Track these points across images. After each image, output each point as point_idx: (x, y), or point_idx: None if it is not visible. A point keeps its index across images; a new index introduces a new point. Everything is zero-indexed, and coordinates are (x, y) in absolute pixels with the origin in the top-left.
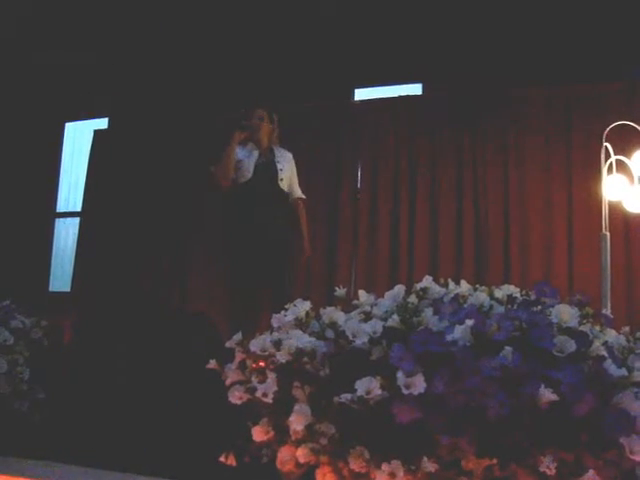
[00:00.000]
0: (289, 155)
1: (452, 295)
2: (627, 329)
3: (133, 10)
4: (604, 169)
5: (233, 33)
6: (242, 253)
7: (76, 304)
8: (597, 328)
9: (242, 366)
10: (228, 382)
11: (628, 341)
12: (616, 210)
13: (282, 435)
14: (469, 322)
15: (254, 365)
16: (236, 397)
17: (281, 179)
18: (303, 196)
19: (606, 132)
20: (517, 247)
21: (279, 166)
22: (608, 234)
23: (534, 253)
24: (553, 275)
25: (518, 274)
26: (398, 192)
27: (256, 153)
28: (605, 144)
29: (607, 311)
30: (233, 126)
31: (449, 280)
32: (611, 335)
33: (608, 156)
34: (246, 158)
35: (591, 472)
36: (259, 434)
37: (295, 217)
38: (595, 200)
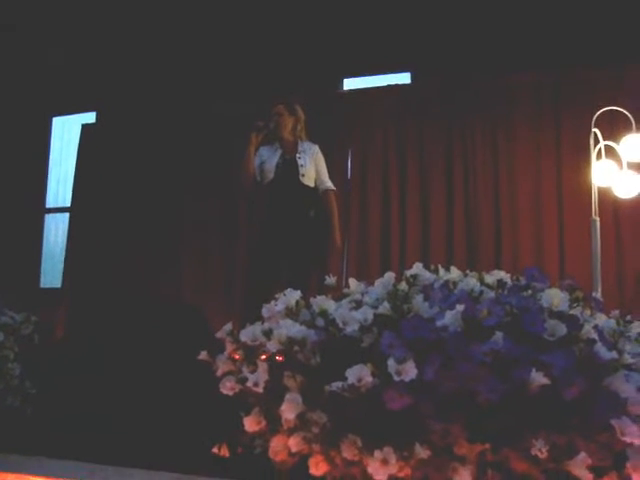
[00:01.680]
0: (314, 148)
1: (442, 281)
2: (617, 312)
3: (121, 4)
4: (593, 155)
5: (220, 26)
6: (266, 254)
7: (67, 299)
8: (587, 312)
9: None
10: (219, 373)
11: (618, 324)
12: (606, 195)
13: (274, 425)
14: (459, 308)
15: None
16: (228, 388)
17: (302, 175)
18: (333, 187)
19: (595, 118)
20: (508, 233)
21: (300, 162)
22: (598, 219)
23: (525, 239)
24: (544, 260)
25: (509, 260)
26: (388, 181)
27: (279, 152)
28: (594, 130)
29: (598, 295)
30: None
31: (439, 266)
32: (601, 319)
33: (597, 142)
34: (269, 158)
35: (583, 454)
36: (251, 424)
37: (325, 209)
38: (585, 186)
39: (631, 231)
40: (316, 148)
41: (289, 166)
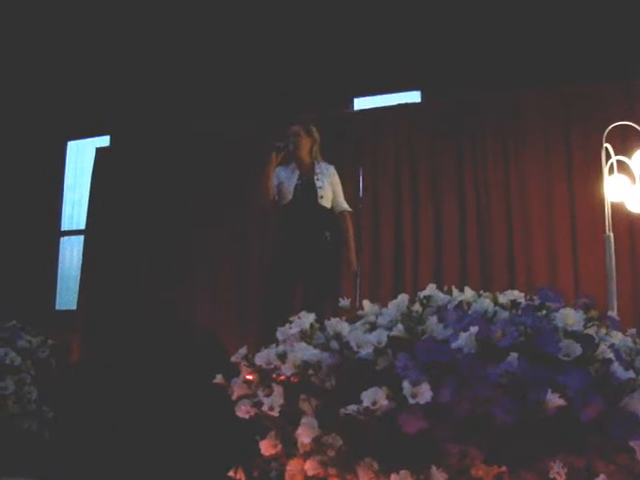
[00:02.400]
0: (330, 169)
1: (456, 302)
2: (633, 331)
3: (134, 29)
4: (605, 170)
5: (233, 46)
6: (281, 276)
7: (82, 322)
8: (603, 331)
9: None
10: (235, 397)
11: (635, 343)
12: (620, 210)
13: (290, 448)
14: (473, 329)
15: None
16: (243, 411)
17: (321, 197)
18: (349, 209)
19: (606, 133)
20: (521, 250)
21: (318, 184)
22: (612, 235)
23: (538, 256)
24: (558, 277)
25: (523, 277)
26: (400, 199)
27: (297, 173)
28: (605, 145)
29: (613, 313)
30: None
31: (453, 287)
32: (617, 337)
33: (609, 157)
34: (287, 179)
35: (602, 477)
36: (267, 448)
37: (341, 230)
38: (598, 201)
39: None
40: (332, 169)
41: (307, 188)
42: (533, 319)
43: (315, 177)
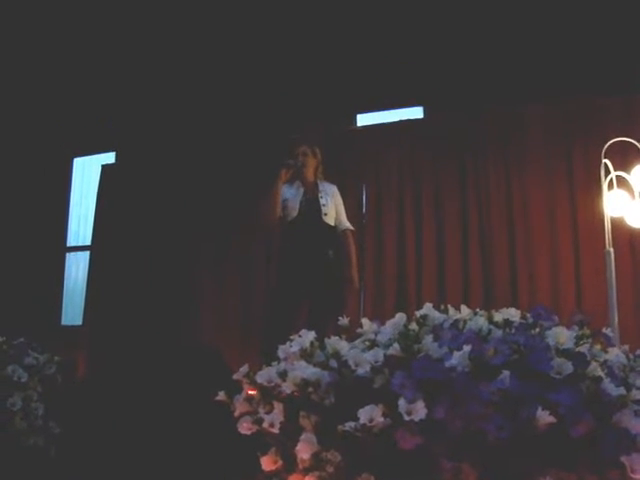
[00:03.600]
0: (333, 188)
1: (451, 321)
2: (627, 347)
3: (139, 47)
4: (604, 185)
5: (236, 63)
6: (285, 293)
7: (87, 337)
8: (598, 347)
9: (249, 398)
10: (236, 414)
11: (628, 359)
12: (621, 226)
13: (290, 464)
14: (467, 348)
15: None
16: (245, 428)
17: (325, 214)
18: (351, 227)
19: (605, 148)
20: (524, 266)
21: (322, 201)
22: (612, 250)
23: (541, 271)
24: (561, 293)
25: (526, 293)
26: (403, 215)
27: (302, 190)
28: (604, 160)
29: (614, 328)
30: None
31: (449, 306)
32: (612, 354)
33: (608, 172)
34: (292, 196)
35: None
36: (268, 464)
37: (343, 249)
38: (599, 216)
39: None
40: (335, 189)
41: (312, 205)
42: (526, 337)
43: (319, 195)
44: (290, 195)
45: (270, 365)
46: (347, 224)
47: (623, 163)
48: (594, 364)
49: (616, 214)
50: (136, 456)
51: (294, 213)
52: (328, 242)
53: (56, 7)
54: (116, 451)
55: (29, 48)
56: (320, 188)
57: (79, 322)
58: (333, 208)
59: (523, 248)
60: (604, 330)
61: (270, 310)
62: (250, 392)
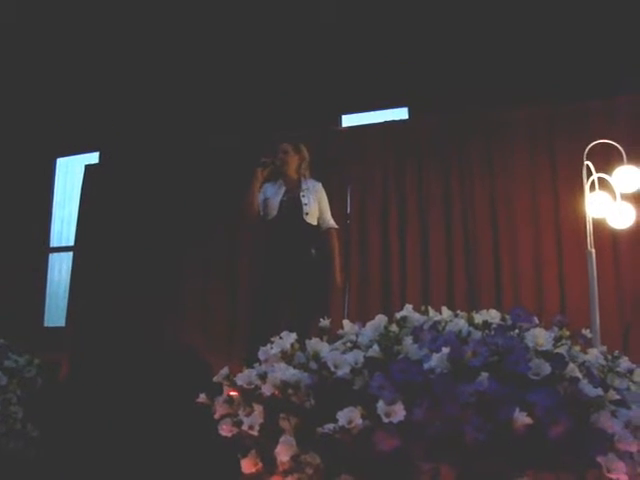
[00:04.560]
0: (318, 186)
1: (431, 323)
2: (604, 348)
3: (123, 48)
4: (586, 187)
5: (221, 63)
6: (268, 294)
7: (71, 339)
8: (577, 348)
9: (229, 400)
10: (217, 415)
11: (607, 360)
12: (604, 227)
13: (270, 466)
14: (445, 350)
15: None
16: (226, 430)
17: (306, 213)
18: (335, 225)
19: (587, 150)
20: (508, 266)
21: (304, 200)
22: (593, 251)
23: (525, 271)
24: (544, 293)
25: (510, 293)
26: (387, 216)
27: (283, 189)
28: (586, 162)
29: (595, 328)
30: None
31: (429, 307)
32: (592, 355)
33: (590, 174)
34: (272, 195)
35: None
36: (248, 466)
37: (327, 247)
38: (582, 218)
39: (629, 261)
40: (319, 186)
41: (293, 204)
42: (504, 339)
43: (301, 194)
44: (271, 194)
45: (252, 367)
46: (331, 222)
47: (605, 165)
48: (572, 365)
49: (598, 215)
50: (116, 457)
51: (274, 212)
52: (310, 241)
53: (37, 6)
54: (96, 453)
55: (12, 48)
56: (303, 186)
57: (62, 323)
58: (316, 207)
59: (507, 248)
60: (583, 331)
61: (254, 311)
62: (231, 393)
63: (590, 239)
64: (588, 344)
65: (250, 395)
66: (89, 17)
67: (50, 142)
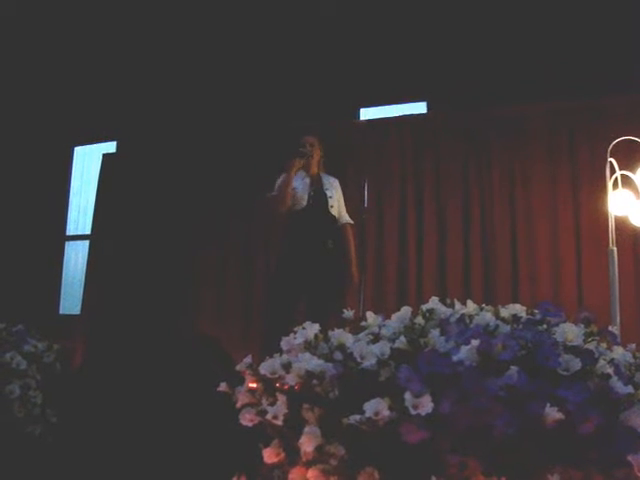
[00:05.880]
0: (336, 181)
1: (458, 315)
2: (633, 346)
3: (140, 37)
4: (609, 184)
5: (240, 55)
6: (286, 284)
7: (86, 327)
8: (604, 345)
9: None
10: (239, 405)
11: (635, 358)
12: (625, 225)
13: (293, 456)
14: (474, 342)
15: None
16: (247, 419)
17: (331, 206)
18: (351, 221)
19: (610, 147)
20: (525, 263)
21: (328, 193)
22: (615, 249)
23: (542, 269)
24: (562, 290)
25: (527, 290)
26: (405, 211)
27: (308, 181)
28: (610, 159)
29: (616, 327)
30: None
31: (455, 300)
32: (618, 352)
33: (613, 171)
34: (300, 186)
35: None
36: (270, 456)
37: (343, 242)
38: (602, 216)
39: None
40: (337, 182)
41: (319, 196)
42: (533, 333)
43: (324, 187)
44: (297, 185)
45: (271, 356)
46: (347, 218)
47: (628, 162)
48: (602, 361)
49: (620, 213)
50: (134, 446)
51: (303, 203)
52: (330, 234)
53: None
54: (114, 441)
55: (29, 38)
56: (324, 180)
57: (77, 311)
58: (337, 201)
59: (525, 245)
60: (610, 328)
61: (269, 300)
62: (251, 384)
63: (612, 237)
64: (615, 341)
65: (273, 385)
66: (109, 6)
67: (68, 131)
